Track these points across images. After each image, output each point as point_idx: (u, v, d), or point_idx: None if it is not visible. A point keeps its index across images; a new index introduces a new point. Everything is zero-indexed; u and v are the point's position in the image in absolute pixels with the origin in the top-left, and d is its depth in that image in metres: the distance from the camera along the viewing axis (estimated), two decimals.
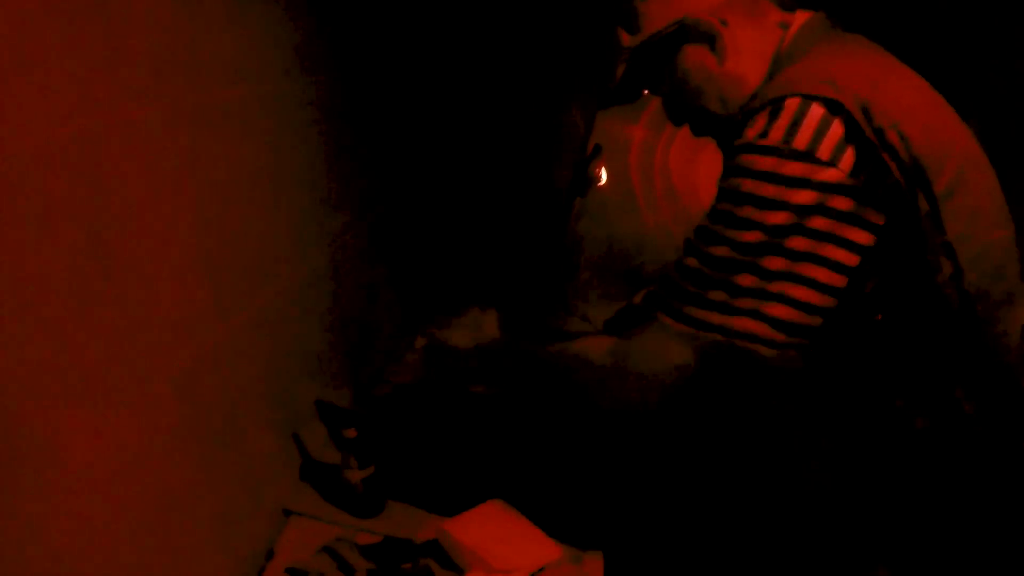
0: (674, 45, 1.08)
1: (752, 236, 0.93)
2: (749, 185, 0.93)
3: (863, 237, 0.92)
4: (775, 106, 0.93)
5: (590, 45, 1.60)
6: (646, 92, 1.21)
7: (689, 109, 1.15)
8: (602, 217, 2.38)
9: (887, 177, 0.90)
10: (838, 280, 0.93)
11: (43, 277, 0.74)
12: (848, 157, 0.90)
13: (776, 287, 0.93)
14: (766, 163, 0.92)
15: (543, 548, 1.20)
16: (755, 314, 0.94)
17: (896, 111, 0.90)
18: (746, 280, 0.94)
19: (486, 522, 1.23)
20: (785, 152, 0.91)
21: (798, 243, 0.92)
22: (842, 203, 0.91)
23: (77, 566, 0.79)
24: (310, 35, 1.43)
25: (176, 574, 0.98)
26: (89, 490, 0.80)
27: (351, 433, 1.27)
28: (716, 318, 0.96)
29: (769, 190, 0.92)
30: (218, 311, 1.09)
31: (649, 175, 2.32)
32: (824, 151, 0.90)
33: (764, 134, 0.92)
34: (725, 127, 1.10)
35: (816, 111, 0.91)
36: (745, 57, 1.06)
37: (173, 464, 0.97)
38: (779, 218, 0.91)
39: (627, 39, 1.11)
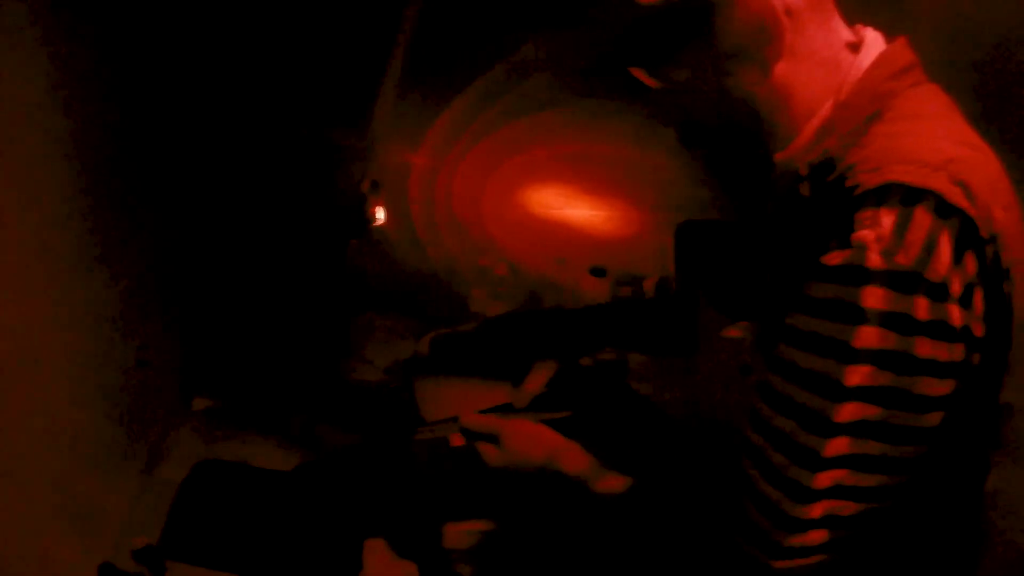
0: (705, 20, 0.77)
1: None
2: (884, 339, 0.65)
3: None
4: (905, 207, 0.65)
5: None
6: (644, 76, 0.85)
7: (697, 115, 0.86)
8: (382, 252, 2.19)
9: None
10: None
11: None
12: (979, 298, 0.67)
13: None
14: (914, 305, 0.64)
15: None
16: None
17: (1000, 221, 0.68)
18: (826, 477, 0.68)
19: None
20: (923, 283, 0.64)
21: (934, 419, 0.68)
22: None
23: None
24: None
25: None
26: None
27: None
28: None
29: (923, 347, 0.65)
30: None
31: (430, 205, 2.19)
32: (957, 285, 0.65)
33: (891, 250, 0.64)
34: (742, 151, 0.86)
35: (950, 229, 0.65)
36: (804, 70, 0.79)
37: None
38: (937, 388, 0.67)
39: None
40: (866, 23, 0.83)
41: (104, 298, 1.34)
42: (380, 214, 1.92)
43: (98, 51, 1.30)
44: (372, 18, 1.68)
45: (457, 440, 1.07)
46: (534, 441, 0.98)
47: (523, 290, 2.12)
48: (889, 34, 0.82)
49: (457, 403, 1.20)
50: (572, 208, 2.23)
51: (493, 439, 1.01)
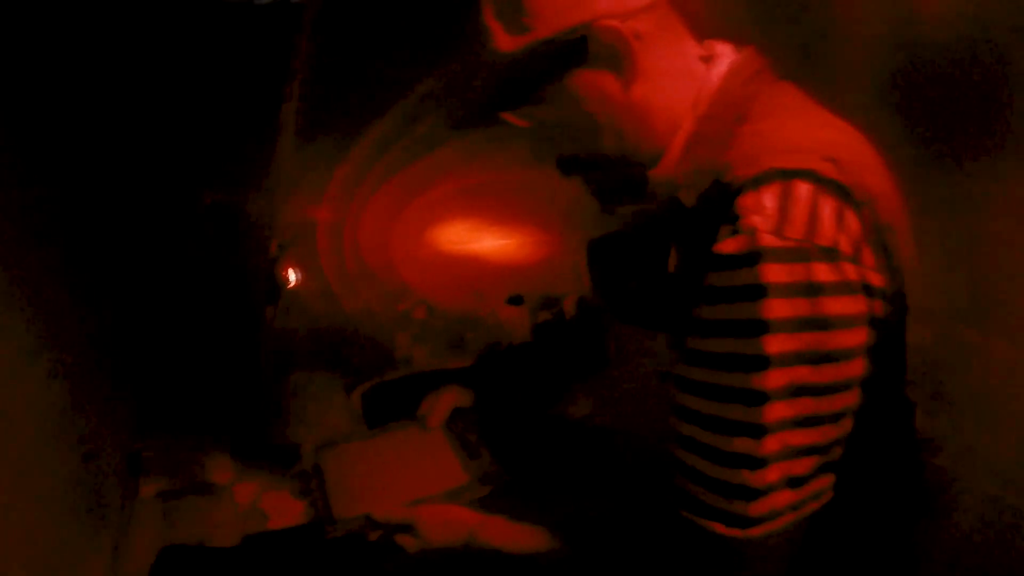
0: (565, 60, 0.80)
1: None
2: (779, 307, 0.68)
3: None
4: (784, 184, 0.70)
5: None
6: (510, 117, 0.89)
7: (566, 147, 0.89)
8: (299, 311, 2.17)
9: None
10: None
11: None
12: (868, 253, 0.72)
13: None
14: (813, 270, 0.68)
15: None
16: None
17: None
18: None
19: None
20: (815, 249, 0.68)
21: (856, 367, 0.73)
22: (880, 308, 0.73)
23: None
24: None
25: None
26: None
27: None
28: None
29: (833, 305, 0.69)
30: None
31: (340, 258, 2.20)
32: (846, 244, 0.70)
33: (780, 227, 0.68)
34: (615, 179, 0.88)
35: (829, 196, 0.70)
36: (660, 88, 0.82)
37: None
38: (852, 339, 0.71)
39: (506, 41, 0.80)
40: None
41: (46, 394, 1.27)
42: (292, 276, 1.90)
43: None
44: (256, 79, 1.66)
45: (373, 535, 1.04)
46: (449, 524, 0.97)
47: (445, 329, 2.13)
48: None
49: (367, 496, 1.16)
50: (482, 240, 2.24)
51: (408, 529, 1.00)
